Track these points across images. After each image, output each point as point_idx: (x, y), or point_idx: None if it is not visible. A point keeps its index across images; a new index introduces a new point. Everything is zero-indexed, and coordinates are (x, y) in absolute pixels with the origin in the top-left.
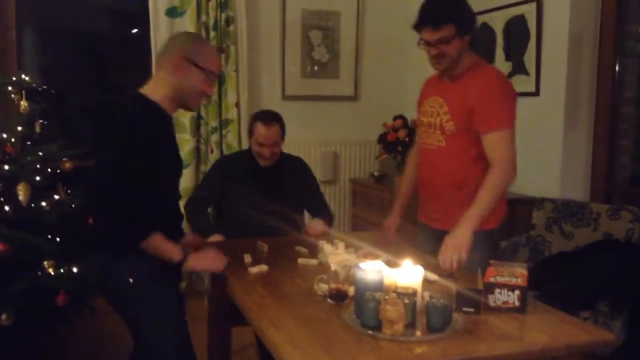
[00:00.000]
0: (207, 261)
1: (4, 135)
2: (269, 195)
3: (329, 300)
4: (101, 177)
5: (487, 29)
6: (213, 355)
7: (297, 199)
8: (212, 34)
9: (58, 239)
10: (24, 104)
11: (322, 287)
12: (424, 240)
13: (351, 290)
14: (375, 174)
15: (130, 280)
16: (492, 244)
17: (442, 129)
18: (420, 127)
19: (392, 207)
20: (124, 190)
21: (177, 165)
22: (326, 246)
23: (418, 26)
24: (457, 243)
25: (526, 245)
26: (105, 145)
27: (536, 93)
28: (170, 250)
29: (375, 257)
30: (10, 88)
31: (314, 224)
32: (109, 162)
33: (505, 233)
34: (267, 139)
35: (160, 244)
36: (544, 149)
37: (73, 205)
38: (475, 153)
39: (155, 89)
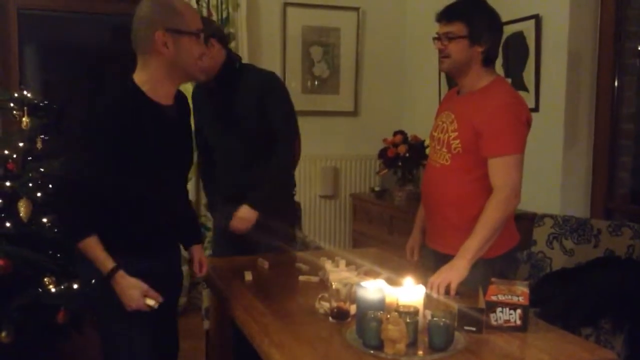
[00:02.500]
0: (127, 295)
1: (6, 152)
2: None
3: (330, 319)
4: (64, 168)
5: None
6: None
7: (256, 129)
8: None
9: (59, 255)
10: (25, 120)
11: (324, 306)
12: (425, 259)
13: (353, 309)
14: (376, 189)
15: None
16: (494, 272)
17: (448, 147)
18: (430, 141)
19: (413, 229)
20: (79, 182)
21: (164, 158)
22: (327, 263)
23: (436, 18)
24: (450, 274)
25: (527, 262)
26: (75, 136)
27: (536, 109)
28: (99, 258)
29: (377, 275)
30: (12, 104)
31: (236, 220)
32: (72, 154)
33: (514, 262)
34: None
35: (89, 250)
36: (544, 165)
37: None
38: (479, 175)
39: (143, 76)
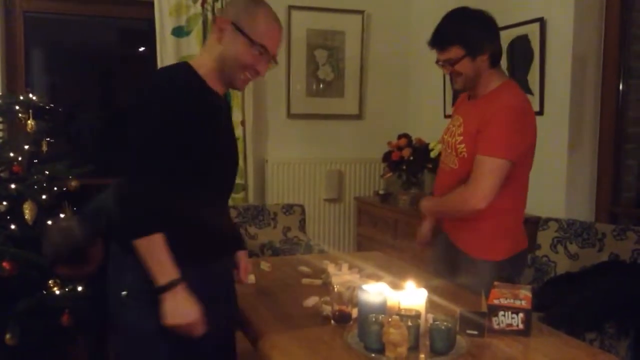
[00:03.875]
0: (180, 312)
1: (12, 155)
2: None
3: (332, 322)
4: (130, 152)
5: None
6: None
7: None
8: None
9: None
10: (31, 123)
11: (326, 309)
12: (436, 246)
13: (355, 312)
14: (380, 192)
15: (123, 293)
16: (500, 275)
17: (455, 151)
18: (442, 144)
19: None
20: (156, 166)
21: (218, 157)
22: (330, 266)
23: (429, 45)
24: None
25: (531, 266)
26: (132, 119)
27: (540, 112)
28: (163, 263)
29: (379, 278)
30: (17, 107)
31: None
32: (134, 137)
33: (523, 264)
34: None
35: (153, 250)
36: (549, 169)
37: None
38: None
39: (201, 59)
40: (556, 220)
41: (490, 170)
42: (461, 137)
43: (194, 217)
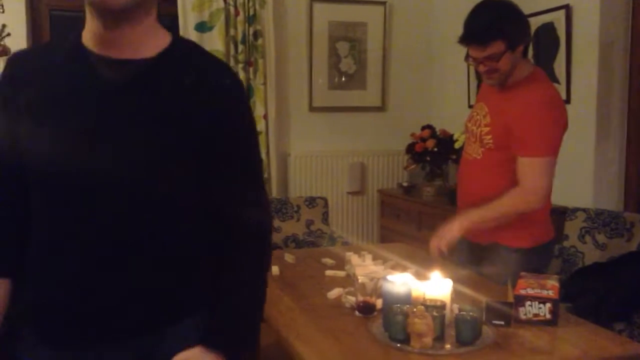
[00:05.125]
0: None
1: None
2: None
3: (356, 313)
4: None
5: None
6: None
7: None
8: (240, 47)
9: None
10: None
11: (350, 300)
12: (458, 250)
13: (379, 303)
14: (404, 184)
15: None
16: (527, 265)
17: (481, 141)
18: (465, 132)
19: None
20: None
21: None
22: (353, 258)
23: (464, 42)
24: (442, 233)
25: (559, 256)
26: None
27: (567, 101)
28: None
29: (404, 269)
30: None
31: None
32: None
33: (550, 256)
34: None
35: None
36: (576, 158)
37: None
38: (509, 169)
39: None
40: (584, 210)
41: (541, 170)
42: (488, 128)
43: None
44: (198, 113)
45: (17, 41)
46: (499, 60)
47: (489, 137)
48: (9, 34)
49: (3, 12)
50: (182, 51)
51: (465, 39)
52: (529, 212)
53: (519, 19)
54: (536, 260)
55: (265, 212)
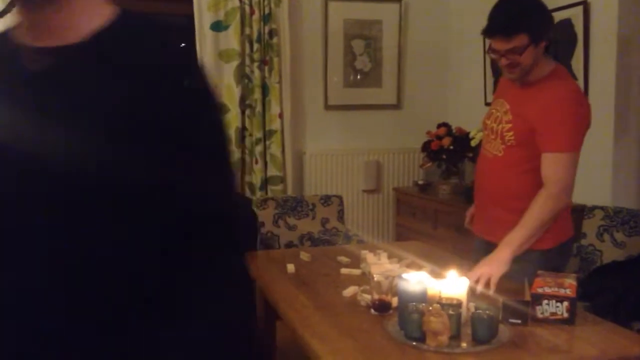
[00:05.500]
0: None
1: None
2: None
3: (372, 311)
4: None
5: None
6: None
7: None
8: (255, 46)
9: None
10: None
11: (365, 298)
12: (475, 249)
13: (394, 301)
14: (420, 182)
15: None
16: (546, 264)
17: (502, 138)
18: (483, 129)
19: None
20: None
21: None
22: (369, 256)
23: (488, 34)
24: (492, 267)
25: (577, 255)
26: None
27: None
28: None
29: (419, 267)
30: None
31: None
32: None
33: (569, 254)
34: None
35: None
36: (594, 155)
37: None
38: (532, 168)
39: None
40: (602, 208)
41: (567, 165)
42: (509, 125)
43: None
44: (128, 101)
45: None
46: (522, 54)
47: (511, 133)
48: None
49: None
50: (124, 32)
51: (489, 31)
52: (560, 209)
53: (544, 13)
54: (555, 260)
55: (227, 199)
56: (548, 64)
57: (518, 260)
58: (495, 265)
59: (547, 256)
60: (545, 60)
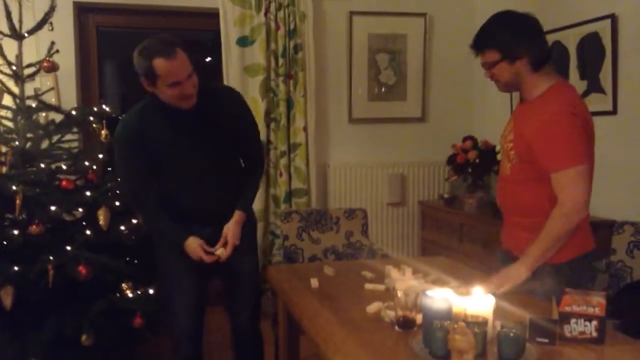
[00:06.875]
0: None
1: (86, 163)
2: (205, 148)
3: (396, 327)
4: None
5: (561, 47)
6: None
7: (232, 143)
8: (280, 61)
9: (136, 262)
10: (105, 132)
11: (389, 314)
12: (498, 259)
13: (419, 318)
14: (445, 196)
15: None
16: (564, 278)
17: (508, 157)
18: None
19: None
20: None
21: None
22: (393, 271)
23: (471, 49)
24: (508, 277)
25: (606, 272)
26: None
27: (613, 112)
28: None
29: (444, 283)
30: (92, 118)
31: (235, 226)
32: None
33: (589, 268)
34: (182, 71)
35: None
36: (623, 170)
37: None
38: (539, 184)
39: None
40: (632, 223)
41: (573, 180)
42: (511, 144)
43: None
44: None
45: (66, 57)
46: (493, 68)
47: (513, 152)
48: (57, 51)
49: (52, 29)
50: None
51: (470, 47)
52: (575, 225)
53: (519, 32)
54: (574, 274)
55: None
56: (546, 81)
57: (533, 275)
58: (512, 275)
59: (559, 270)
60: (541, 78)
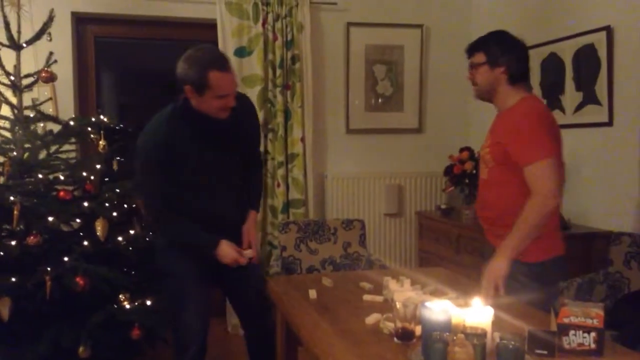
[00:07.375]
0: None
1: (84, 174)
2: (227, 158)
3: (395, 339)
4: None
5: (556, 59)
6: None
7: (247, 150)
8: (278, 71)
9: (133, 273)
10: (102, 143)
11: (388, 326)
12: (484, 251)
13: (418, 329)
14: (442, 206)
15: None
16: (535, 277)
17: (485, 162)
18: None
19: None
20: None
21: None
22: (391, 283)
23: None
24: (494, 274)
25: (603, 283)
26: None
27: (609, 123)
28: None
29: (443, 295)
30: (90, 128)
31: (252, 225)
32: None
33: (561, 272)
34: (233, 84)
35: None
36: (619, 182)
37: (148, 239)
38: (512, 184)
39: None
40: (629, 234)
41: (545, 172)
42: (488, 149)
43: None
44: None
45: (64, 68)
46: (478, 69)
47: (489, 156)
48: (55, 61)
49: (50, 40)
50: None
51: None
52: (551, 212)
53: (506, 45)
54: (546, 274)
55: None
56: (518, 95)
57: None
58: (496, 271)
59: (531, 269)
60: (515, 91)
